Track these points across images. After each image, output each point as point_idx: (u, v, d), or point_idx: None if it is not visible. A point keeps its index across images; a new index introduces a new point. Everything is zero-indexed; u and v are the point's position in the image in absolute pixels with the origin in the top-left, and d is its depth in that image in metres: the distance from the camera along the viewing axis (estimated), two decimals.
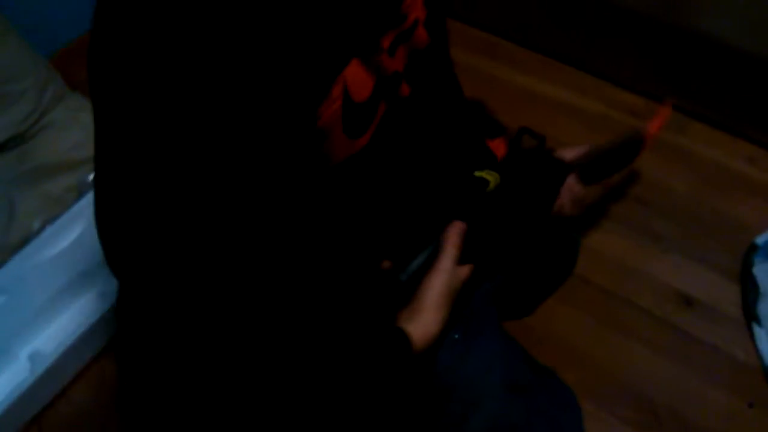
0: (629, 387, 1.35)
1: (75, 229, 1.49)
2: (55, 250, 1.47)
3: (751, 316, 1.41)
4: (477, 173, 1.00)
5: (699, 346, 1.40)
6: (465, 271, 0.92)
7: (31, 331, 1.38)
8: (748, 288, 1.44)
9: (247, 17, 0.62)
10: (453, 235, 0.90)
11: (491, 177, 0.99)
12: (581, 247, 1.37)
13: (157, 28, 0.61)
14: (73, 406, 1.38)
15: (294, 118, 0.68)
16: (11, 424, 1.32)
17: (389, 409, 0.89)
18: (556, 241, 1.27)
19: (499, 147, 1.10)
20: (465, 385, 0.93)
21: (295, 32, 0.66)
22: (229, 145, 0.64)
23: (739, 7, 1.52)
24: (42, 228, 1.49)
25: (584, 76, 1.88)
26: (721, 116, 1.73)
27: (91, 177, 1.51)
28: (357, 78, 0.74)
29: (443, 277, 0.87)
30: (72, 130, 1.56)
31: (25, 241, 1.47)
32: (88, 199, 1.50)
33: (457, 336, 0.94)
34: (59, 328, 1.40)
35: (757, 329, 1.39)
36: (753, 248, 1.49)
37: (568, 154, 1.17)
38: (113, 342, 1.41)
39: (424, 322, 0.84)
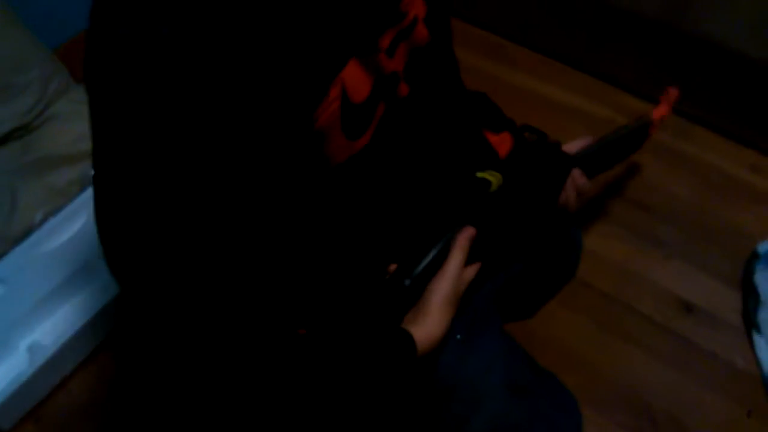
0: (628, 392, 1.35)
1: (77, 222, 1.49)
2: (57, 243, 1.47)
3: (751, 324, 1.41)
4: (479, 174, 0.99)
5: (698, 352, 1.40)
6: (470, 272, 0.91)
7: (31, 322, 1.38)
8: (749, 296, 1.44)
9: (243, 19, 0.62)
10: (462, 240, 0.89)
11: (493, 178, 0.98)
12: (583, 251, 1.37)
13: (155, 28, 0.60)
14: (72, 398, 1.37)
15: (291, 120, 0.68)
16: (10, 416, 1.32)
17: (390, 409, 0.89)
18: (559, 241, 1.27)
19: (504, 141, 1.09)
20: (466, 386, 0.92)
21: (291, 33, 0.65)
22: (226, 148, 0.64)
23: (744, 12, 1.52)
24: (44, 220, 1.49)
25: (590, 80, 1.89)
26: (726, 123, 1.74)
27: None
28: (355, 78, 0.74)
29: (450, 281, 0.87)
30: (76, 123, 1.56)
31: (26, 233, 1.47)
32: (91, 192, 1.49)
33: (459, 336, 0.94)
34: (59, 320, 1.39)
35: (756, 337, 1.39)
36: (754, 256, 1.49)
37: (573, 146, 1.17)
38: (113, 337, 1.41)
39: (428, 325, 0.84)
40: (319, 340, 0.79)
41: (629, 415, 1.32)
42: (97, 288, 1.42)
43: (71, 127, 1.56)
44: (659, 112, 1.33)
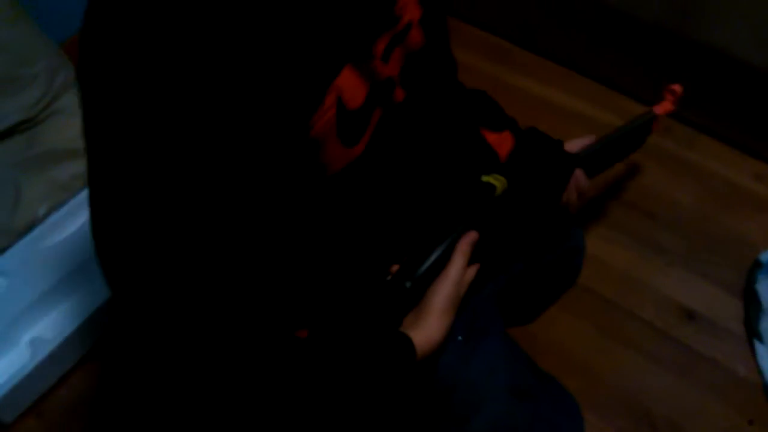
0: (628, 397, 1.35)
1: (80, 217, 1.49)
2: (60, 237, 1.47)
3: (753, 333, 1.41)
4: (484, 178, 0.99)
5: (700, 360, 1.40)
6: (471, 273, 0.91)
7: (33, 316, 1.38)
8: (751, 304, 1.44)
9: (237, 26, 0.62)
10: (464, 245, 0.89)
11: (498, 182, 0.98)
12: (586, 257, 1.37)
13: (149, 34, 0.61)
14: (74, 393, 1.37)
15: (286, 128, 0.68)
16: (11, 410, 1.32)
17: (389, 411, 0.89)
18: (562, 245, 1.27)
19: (505, 140, 1.09)
20: (467, 387, 0.92)
21: (285, 41, 0.65)
22: (221, 154, 0.64)
23: (749, 20, 1.52)
24: (47, 214, 1.49)
25: (595, 86, 1.89)
26: (730, 131, 1.74)
27: None
28: (350, 85, 0.74)
29: (451, 285, 0.87)
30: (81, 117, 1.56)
31: (30, 227, 1.47)
32: None
33: (460, 338, 0.94)
34: (61, 314, 1.39)
35: (758, 346, 1.39)
36: (757, 265, 1.49)
37: (574, 145, 1.17)
38: (115, 332, 1.41)
39: (428, 328, 0.84)
40: (318, 344, 0.79)
41: (629, 420, 1.32)
42: (100, 283, 1.41)
43: (76, 121, 1.55)
44: (663, 108, 1.33)
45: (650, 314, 1.47)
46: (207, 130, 0.62)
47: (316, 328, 0.85)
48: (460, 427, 0.92)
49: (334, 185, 0.79)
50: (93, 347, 1.41)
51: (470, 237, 0.90)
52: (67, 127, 1.55)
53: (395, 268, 0.89)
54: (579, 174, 1.13)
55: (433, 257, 0.88)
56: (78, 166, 1.53)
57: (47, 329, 1.38)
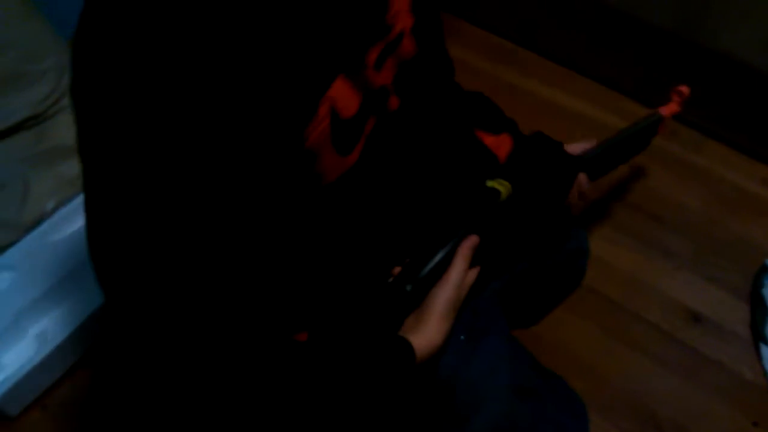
0: (633, 399, 1.35)
1: None
2: (67, 232, 1.47)
3: (759, 336, 1.40)
4: (489, 183, 0.99)
5: (705, 362, 1.40)
6: (471, 277, 0.91)
7: (39, 310, 1.38)
8: (758, 308, 1.44)
9: (230, 39, 0.62)
10: (465, 248, 0.89)
11: (502, 187, 0.98)
12: (591, 259, 1.37)
13: (143, 40, 0.61)
14: (79, 386, 1.38)
15: (280, 139, 0.68)
16: (17, 403, 1.32)
17: (388, 413, 0.89)
18: (567, 247, 1.27)
19: (504, 142, 1.09)
20: (467, 387, 0.92)
21: (276, 53, 0.65)
22: (214, 164, 0.64)
23: (757, 26, 1.52)
24: (55, 209, 1.50)
25: (598, 87, 1.89)
26: (738, 136, 1.74)
27: None
28: (343, 96, 0.74)
29: (451, 289, 0.87)
30: None
31: (38, 222, 1.48)
32: None
33: (462, 337, 0.94)
34: (68, 308, 1.39)
35: (764, 349, 1.38)
36: (764, 269, 1.49)
37: (576, 148, 1.16)
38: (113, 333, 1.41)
39: (428, 332, 0.84)
40: (317, 347, 0.79)
41: (634, 421, 1.32)
42: None
43: None
44: (669, 109, 1.33)
45: (656, 316, 1.46)
46: (200, 138, 0.62)
47: (316, 330, 0.85)
48: (461, 427, 0.92)
49: (332, 193, 0.80)
50: (98, 342, 1.41)
51: (471, 241, 0.90)
52: (74, 124, 1.55)
53: (397, 270, 0.89)
54: (581, 177, 1.13)
55: (434, 261, 0.88)
56: None
57: (53, 323, 1.38)
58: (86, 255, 1.30)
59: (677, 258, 1.56)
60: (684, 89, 1.33)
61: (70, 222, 1.48)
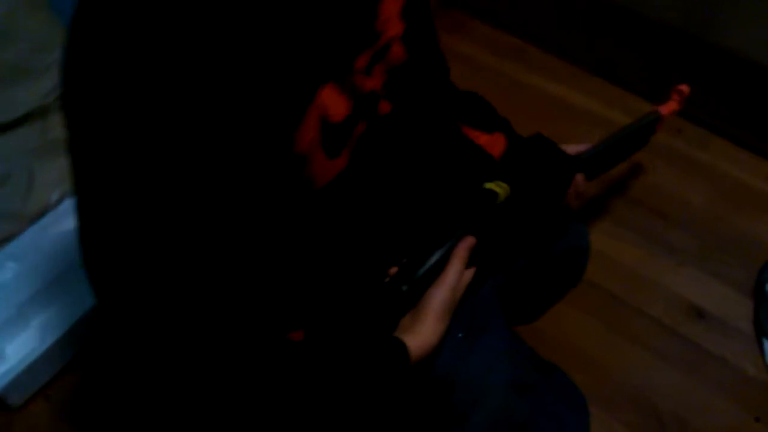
0: (635, 392, 1.35)
1: None
2: (72, 223, 1.46)
3: (762, 332, 1.40)
4: (487, 185, 0.99)
5: (708, 357, 1.40)
6: (467, 277, 0.91)
7: (43, 301, 1.38)
8: (761, 304, 1.44)
9: (219, 45, 0.63)
10: (461, 249, 0.90)
11: (501, 189, 0.98)
12: (595, 253, 1.36)
13: (132, 47, 0.61)
14: (82, 377, 1.38)
15: (270, 144, 0.68)
16: (20, 393, 1.32)
17: (383, 413, 0.89)
18: (567, 245, 1.26)
19: (497, 141, 1.09)
20: (465, 384, 0.92)
21: (265, 59, 0.66)
22: (205, 166, 0.64)
23: (763, 22, 1.52)
24: (60, 201, 1.50)
25: (609, 86, 1.89)
26: (743, 133, 1.73)
27: None
28: (332, 101, 0.74)
29: (447, 290, 0.87)
30: None
31: (42, 213, 1.48)
32: None
33: (460, 335, 0.94)
34: (71, 299, 1.39)
35: (767, 345, 1.38)
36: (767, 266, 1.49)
37: (572, 150, 1.16)
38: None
39: (423, 333, 0.84)
40: (312, 347, 0.79)
41: (636, 414, 1.32)
42: None
43: None
44: (668, 108, 1.33)
45: (659, 311, 1.46)
46: (191, 140, 0.63)
47: (311, 329, 0.85)
48: (460, 424, 0.92)
49: (325, 196, 0.80)
50: (102, 333, 1.42)
51: (468, 242, 0.90)
52: None
53: (393, 270, 0.89)
54: (578, 177, 1.13)
55: (430, 261, 0.88)
56: None
57: (57, 314, 1.38)
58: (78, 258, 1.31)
59: (681, 254, 1.56)
60: (684, 88, 1.32)
61: (74, 214, 1.48)
